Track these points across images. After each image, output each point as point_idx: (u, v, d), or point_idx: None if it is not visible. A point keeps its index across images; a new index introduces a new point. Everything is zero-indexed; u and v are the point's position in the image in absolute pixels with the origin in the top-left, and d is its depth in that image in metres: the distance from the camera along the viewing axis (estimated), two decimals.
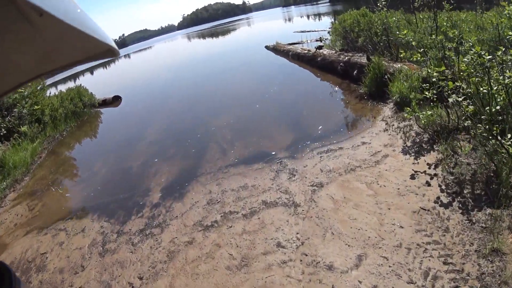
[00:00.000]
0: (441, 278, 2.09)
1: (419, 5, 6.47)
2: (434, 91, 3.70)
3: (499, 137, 2.74)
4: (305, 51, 10.02)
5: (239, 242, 2.85)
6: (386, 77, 5.81)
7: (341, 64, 7.62)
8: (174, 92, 11.20)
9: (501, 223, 2.37)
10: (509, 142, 2.64)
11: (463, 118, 3.63)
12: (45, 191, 5.11)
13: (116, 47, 0.49)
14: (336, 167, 3.68)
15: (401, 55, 5.10)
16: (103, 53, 0.50)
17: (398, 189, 3.11)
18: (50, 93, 10.75)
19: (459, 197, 2.78)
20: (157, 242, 3.19)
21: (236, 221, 3.16)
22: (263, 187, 3.58)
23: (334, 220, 2.82)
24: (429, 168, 3.35)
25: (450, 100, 3.16)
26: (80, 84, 12.04)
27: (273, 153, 4.48)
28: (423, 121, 3.82)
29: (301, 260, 2.48)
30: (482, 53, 2.85)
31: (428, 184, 3.10)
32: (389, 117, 4.91)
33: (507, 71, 2.87)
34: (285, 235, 2.79)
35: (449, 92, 3.26)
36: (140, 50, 58.73)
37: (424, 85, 4.15)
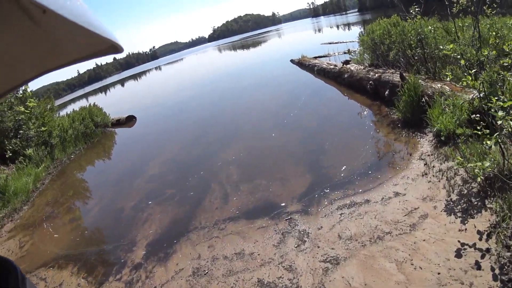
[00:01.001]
0: None
1: (458, 11, 5.46)
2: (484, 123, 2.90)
3: None
4: (331, 66, 9.29)
5: None
6: (423, 100, 4.95)
7: (370, 82, 6.81)
8: (191, 112, 10.85)
9: None
10: None
11: None
12: (38, 226, 5.05)
13: (119, 43, 0.47)
14: (359, 233, 2.99)
15: (448, 78, 4.21)
16: (106, 49, 0.48)
17: (439, 273, 2.35)
18: (72, 109, 10.74)
19: None
20: None
21: None
22: (263, 258, 3.00)
23: None
24: (480, 238, 2.54)
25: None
26: (94, 103, 12.12)
27: (283, 204, 3.86)
28: (475, 171, 2.99)
29: None
30: None
31: (478, 266, 2.31)
32: (429, 155, 4.07)
33: None
34: None
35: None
36: (171, 63, 62.13)
37: (474, 116, 3.32)
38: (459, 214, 2.87)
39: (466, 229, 2.69)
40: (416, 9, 6.16)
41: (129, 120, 11.55)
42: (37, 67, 0.52)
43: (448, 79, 4.20)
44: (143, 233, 4.09)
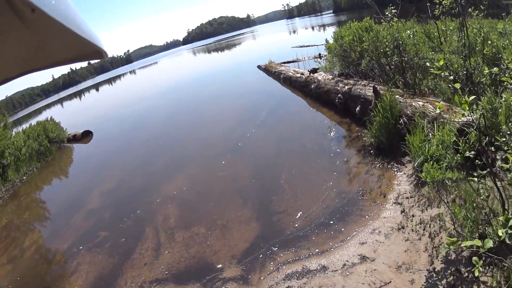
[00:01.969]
0: None
1: (440, 12, 4.64)
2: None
3: None
4: (298, 75, 8.38)
5: None
6: (401, 122, 4.09)
7: (339, 96, 5.93)
8: (144, 129, 10.23)
9: None
10: None
11: None
12: None
13: (104, 49, 0.48)
14: None
15: (437, 106, 3.29)
16: (91, 53, 0.49)
17: None
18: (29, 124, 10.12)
19: None
20: None
21: None
22: None
23: None
24: None
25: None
26: (51, 117, 11.42)
27: (219, 266, 3.05)
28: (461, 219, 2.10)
29: None
30: None
31: None
32: (407, 197, 3.21)
33: None
34: None
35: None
36: (144, 67, 61.03)
37: (469, 153, 2.41)
38: None
39: None
40: (393, 10, 5.27)
41: (86, 135, 10.85)
42: (21, 66, 0.52)
43: (430, 98, 3.33)
44: None
